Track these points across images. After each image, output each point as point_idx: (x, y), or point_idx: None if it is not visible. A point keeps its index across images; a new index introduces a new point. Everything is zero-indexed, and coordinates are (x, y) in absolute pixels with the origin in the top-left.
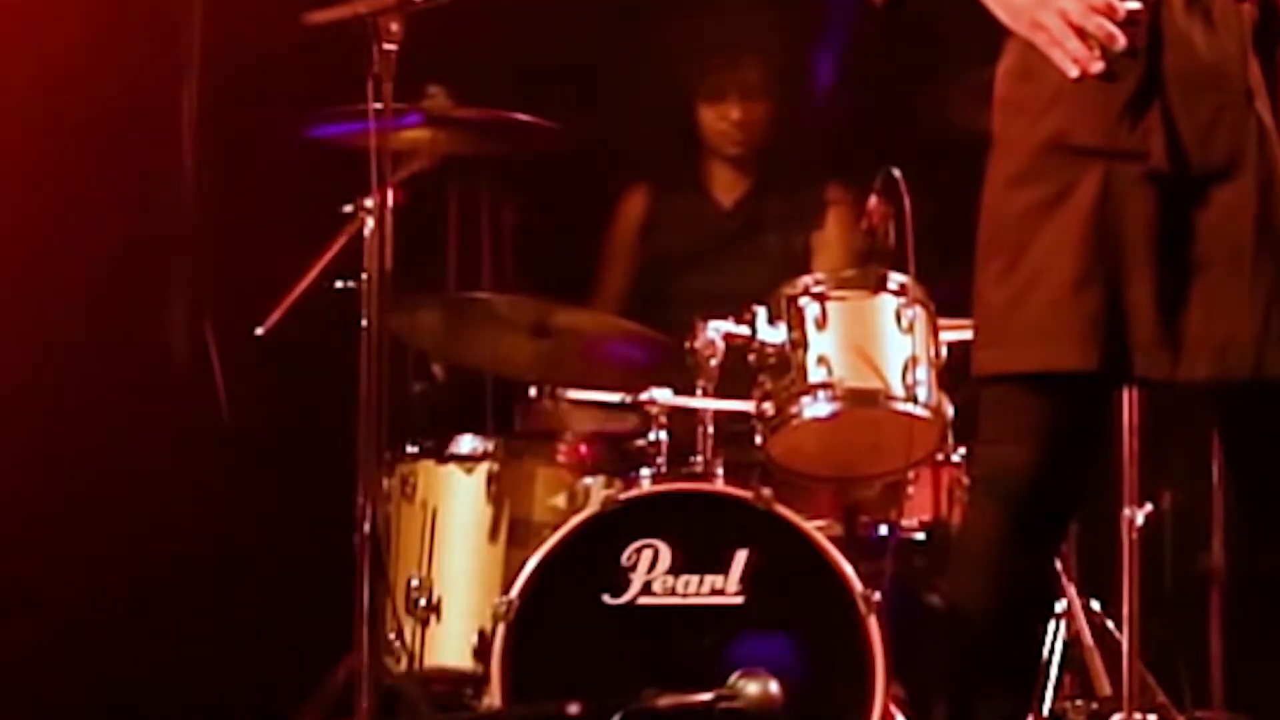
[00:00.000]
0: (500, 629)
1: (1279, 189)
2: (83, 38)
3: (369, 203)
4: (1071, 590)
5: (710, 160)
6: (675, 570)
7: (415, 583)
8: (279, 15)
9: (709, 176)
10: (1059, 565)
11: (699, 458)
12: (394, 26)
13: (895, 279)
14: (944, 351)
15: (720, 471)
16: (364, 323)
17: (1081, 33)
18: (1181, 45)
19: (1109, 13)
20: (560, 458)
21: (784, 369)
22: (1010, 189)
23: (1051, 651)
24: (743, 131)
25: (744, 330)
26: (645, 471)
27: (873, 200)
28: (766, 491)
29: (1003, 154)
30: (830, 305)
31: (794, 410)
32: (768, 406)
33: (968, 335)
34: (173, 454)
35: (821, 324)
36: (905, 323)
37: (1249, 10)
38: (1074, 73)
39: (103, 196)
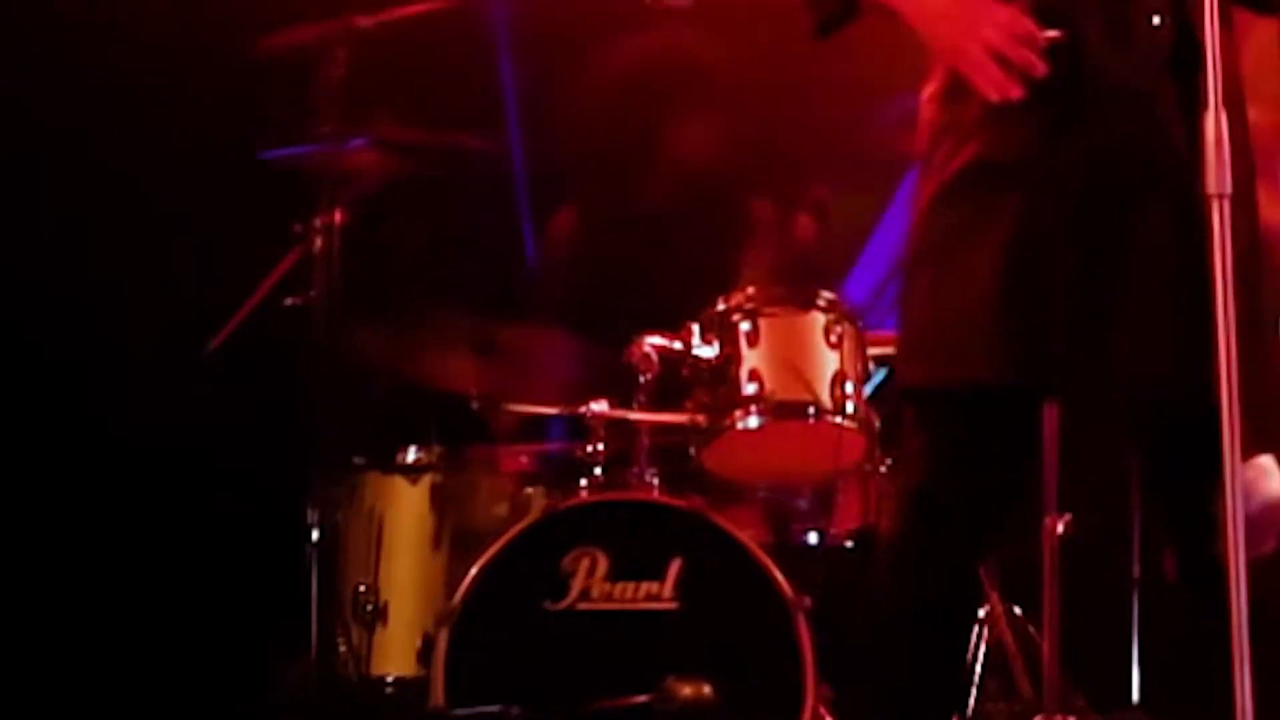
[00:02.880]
0: (443, 633)
1: (1195, 211)
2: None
3: (318, 223)
4: (994, 596)
5: (646, 179)
6: (612, 577)
7: (363, 589)
8: (235, 38)
9: (643, 194)
10: (983, 572)
11: (636, 468)
12: (340, 53)
13: (824, 296)
14: (871, 365)
15: (656, 481)
16: (312, 339)
17: (1004, 59)
18: (1101, 70)
19: (1030, 40)
20: (502, 468)
21: (718, 382)
22: (936, 209)
23: (975, 655)
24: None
25: (678, 345)
26: (584, 481)
27: (802, 218)
28: (700, 501)
29: (929, 175)
30: (762, 321)
31: (727, 422)
32: (702, 418)
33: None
34: (126, 463)
35: (753, 339)
36: (834, 338)
37: (1166, 35)
38: (995, 97)
39: (58, 213)
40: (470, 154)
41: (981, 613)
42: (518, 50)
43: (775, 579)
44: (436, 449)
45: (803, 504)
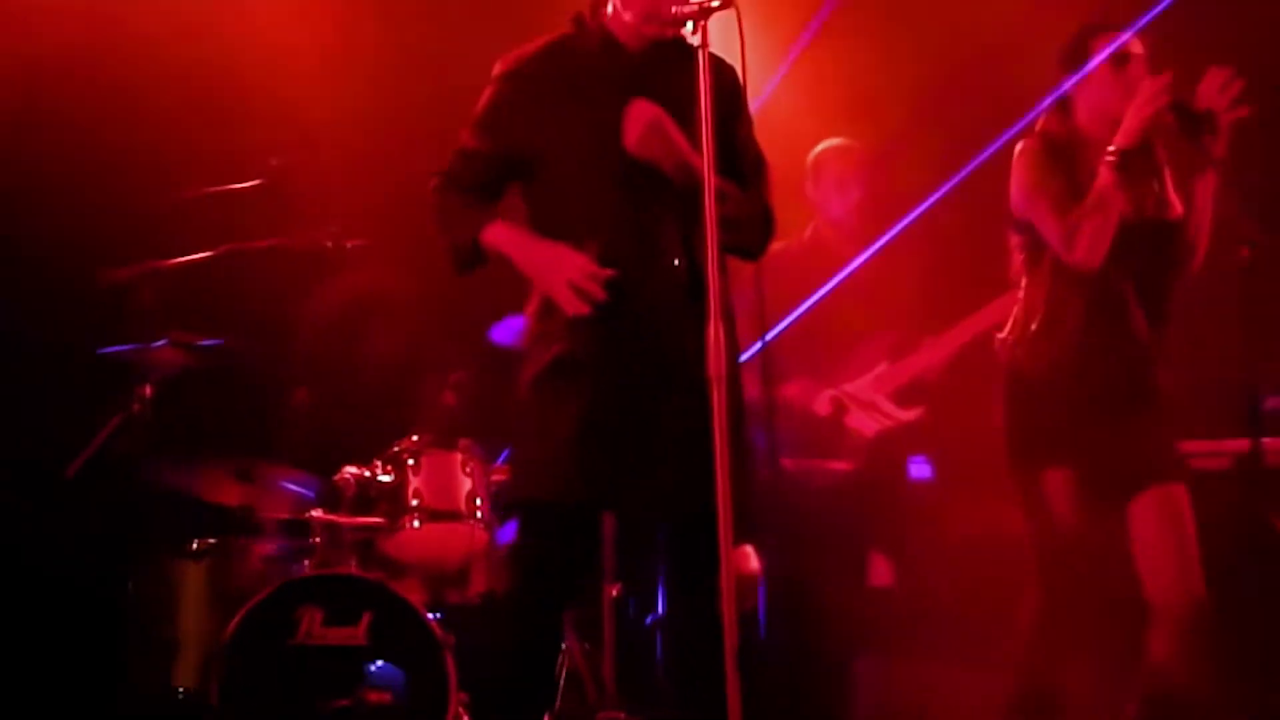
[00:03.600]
0: (217, 660)
1: (703, 387)
2: None
3: (135, 394)
4: (572, 636)
5: (351, 367)
6: (326, 624)
7: (165, 632)
8: (85, 271)
9: (349, 377)
10: (565, 620)
11: (341, 553)
12: (150, 285)
13: (461, 442)
14: (494, 489)
15: (354, 562)
16: (132, 470)
17: (578, 290)
18: (641, 296)
19: (594, 277)
20: (255, 552)
21: (394, 498)
22: (533, 387)
23: (559, 673)
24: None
25: (368, 473)
26: (308, 562)
27: (448, 392)
28: (383, 575)
29: (529, 366)
30: (422, 458)
31: (400, 523)
32: (383, 521)
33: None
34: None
35: (416, 470)
36: (468, 470)
37: (683, 271)
38: (572, 313)
39: None
40: (235, 350)
41: (564, 646)
42: (266, 281)
43: (430, 625)
44: (212, 541)
45: (449, 576)
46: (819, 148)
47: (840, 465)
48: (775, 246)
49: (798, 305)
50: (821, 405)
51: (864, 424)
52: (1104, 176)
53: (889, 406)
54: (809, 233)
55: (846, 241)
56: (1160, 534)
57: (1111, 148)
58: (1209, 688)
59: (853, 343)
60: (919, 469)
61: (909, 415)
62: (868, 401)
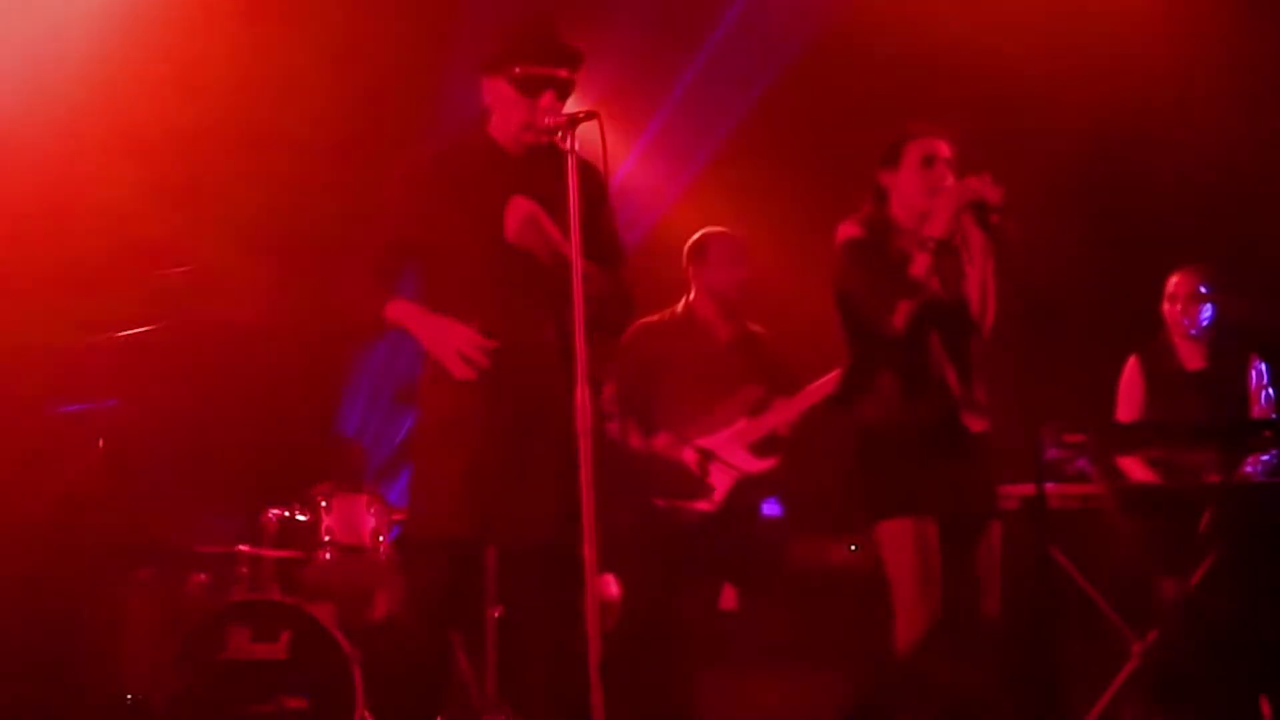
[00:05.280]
0: (160, 671)
1: (571, 437)
2: None
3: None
4: (460, 653)
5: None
6: (252, 640)
7: (117, 647)
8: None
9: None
10: (453, 638)
11: (264, 580)
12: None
13: (367, 486)
14: (394, 526)
15: (276, 588)
16: (87, 512)
17: (464, 357)
18: (518, 362)
19: (479, 346)
20: (192, 580)
21: (309, 533)
22: (427, 433)
23: (448, 682)
24: None
25: (288, 514)
26: (237, 588)
27: (355, 446)
28: (299, 599)
29: (424, 415)
30: (334, 500)
31: (315, 556)
32: (300, 554)
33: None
34: None
35: (328, 511)
36: (373, 511)
37: (554, 341)
38: (460, 376)
39: None
40: (176, 410)
41: (453, 659)
42: (200, 351)
43: (341, 641)
44: (152, 570)
45: (357, 601)
46: (703, 231)
47: (703, 506)
48: (652, 318)
49: (672, 366)
50: (689, 455)
51: (724, 471)
52: (920, 261)
53: (747, 457)
54: (681, 306)
55: (722, 313)
56: (982, 564)
57: (928, 236)
58: (996, 692)
59: (717, 402)
60: (771, 508)
61: (764, 464)
62: (729, 452)
